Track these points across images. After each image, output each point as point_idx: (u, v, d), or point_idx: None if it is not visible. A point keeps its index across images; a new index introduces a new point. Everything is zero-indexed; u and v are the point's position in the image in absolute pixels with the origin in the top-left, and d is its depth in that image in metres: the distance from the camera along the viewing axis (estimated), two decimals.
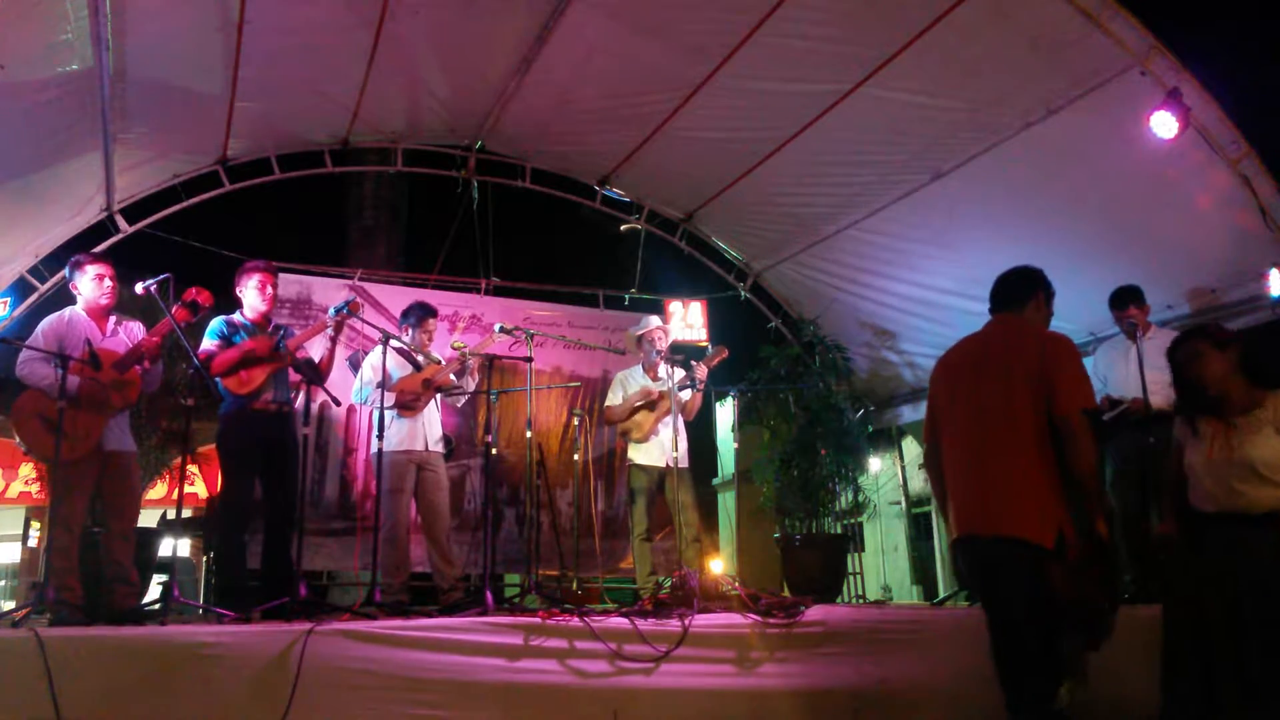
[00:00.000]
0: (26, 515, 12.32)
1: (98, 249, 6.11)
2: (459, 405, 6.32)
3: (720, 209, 7.66)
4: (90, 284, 4.47)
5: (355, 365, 5.86)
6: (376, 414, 4.83)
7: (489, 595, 4.38)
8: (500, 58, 6.01)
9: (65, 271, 4.66)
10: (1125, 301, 5.27)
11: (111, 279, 4.51)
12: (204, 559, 7.46)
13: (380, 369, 4.89)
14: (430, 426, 5.32)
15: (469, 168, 7.39)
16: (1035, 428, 2.94)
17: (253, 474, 4.70)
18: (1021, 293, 3.22)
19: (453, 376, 5.38)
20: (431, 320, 5.46)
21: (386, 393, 4.96)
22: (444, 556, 5.24)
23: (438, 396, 5.44)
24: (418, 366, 5.38)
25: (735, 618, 4.22)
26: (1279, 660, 2.98)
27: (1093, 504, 2.89)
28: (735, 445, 7.81)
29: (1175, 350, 3.47)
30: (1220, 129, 5.20)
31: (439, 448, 5.38)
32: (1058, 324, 3.32)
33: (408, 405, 5.23)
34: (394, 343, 5.08)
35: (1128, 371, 5.26)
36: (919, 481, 14.94)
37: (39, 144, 5.37)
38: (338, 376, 5.22)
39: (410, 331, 5.42)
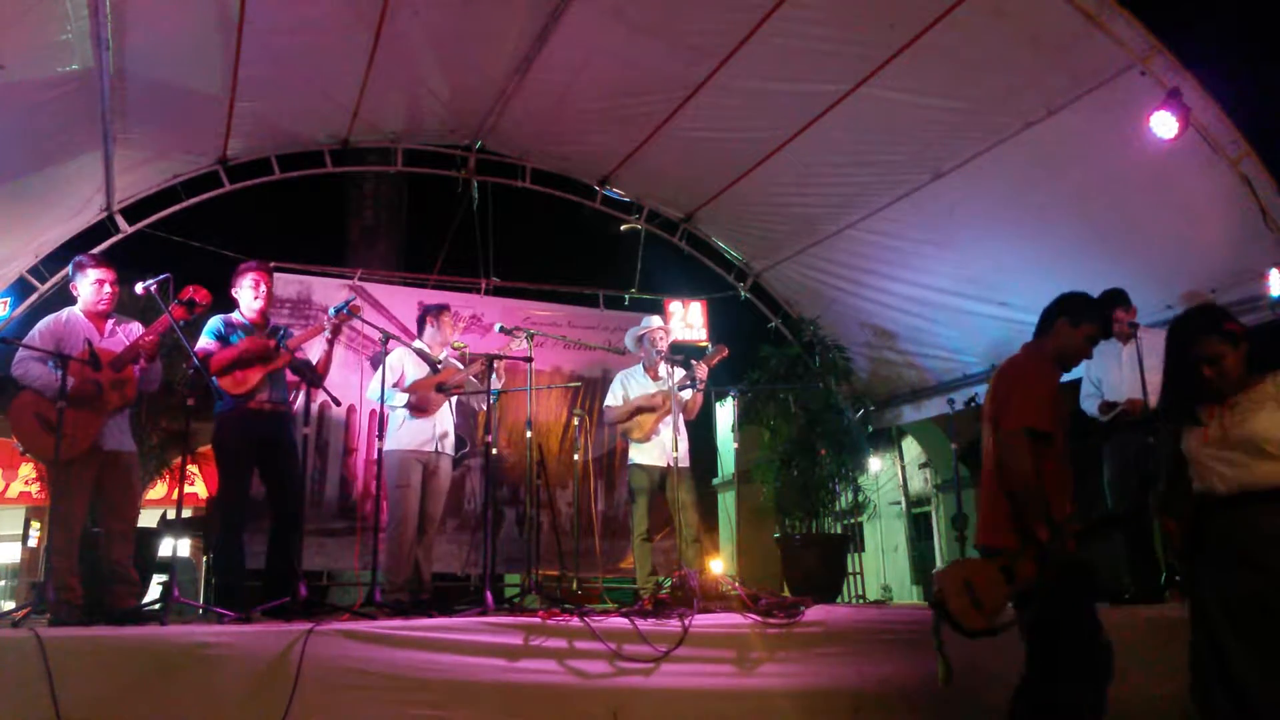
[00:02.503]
0: (26, 515, 12.31)
1: (98, 249, 6.11)
2: (479, 402, 6.30)
3: (720, 209, 7.65)
4: (90, 288, 4.45)
5: (376, 365, 5.90)
6: (385, 413, 4.86)
7: (489, 595, 4.38)
8: (500, 58, 6.01)
9: (68, 270, 4.64)
10: (1112, 306, 5.24)
11: (112, 285, 4.47)
12: (204, 559, 7.46)
13: (399, 369, 4.93)
14: (442, 427, 5.35)
15: (469, 168, 7.38)
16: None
17: (248, 473, 4.69)
18: (1045, 321, 3.46)
19: (473, 379, 5.38)
20: (445, 314, 5.58)
21: (402, 393, 5.07)
22: (426, 559, 5.32)
23: (452, 399, 5.46)
24: (435, 369, 5.41)
25: (735, 618, 4.22)
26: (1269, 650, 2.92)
27: (1027, 513, 3.15)
28: (735, 445, 7.80)
29: (1188, 345, 3.16)
30: (1220, 129, 5.19)
31: (449, 449, 5.40)
32: None
33: (419, 407, 5.26)
34: (415, 344, 5.17)
35: (1121, 375, 5.25)
36: (919, 481, 14.97)
37: (39, 144, 5.38)
38: (338, 377, 5.23)
39: (433, 325, 5.51)
